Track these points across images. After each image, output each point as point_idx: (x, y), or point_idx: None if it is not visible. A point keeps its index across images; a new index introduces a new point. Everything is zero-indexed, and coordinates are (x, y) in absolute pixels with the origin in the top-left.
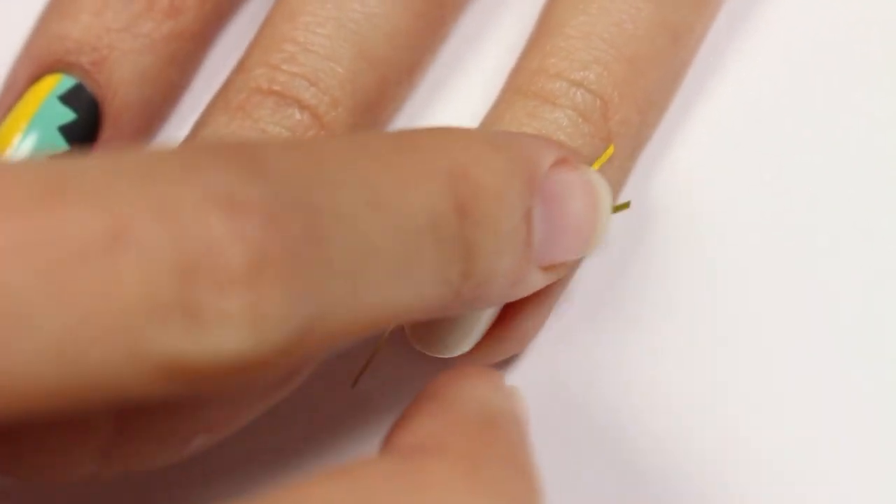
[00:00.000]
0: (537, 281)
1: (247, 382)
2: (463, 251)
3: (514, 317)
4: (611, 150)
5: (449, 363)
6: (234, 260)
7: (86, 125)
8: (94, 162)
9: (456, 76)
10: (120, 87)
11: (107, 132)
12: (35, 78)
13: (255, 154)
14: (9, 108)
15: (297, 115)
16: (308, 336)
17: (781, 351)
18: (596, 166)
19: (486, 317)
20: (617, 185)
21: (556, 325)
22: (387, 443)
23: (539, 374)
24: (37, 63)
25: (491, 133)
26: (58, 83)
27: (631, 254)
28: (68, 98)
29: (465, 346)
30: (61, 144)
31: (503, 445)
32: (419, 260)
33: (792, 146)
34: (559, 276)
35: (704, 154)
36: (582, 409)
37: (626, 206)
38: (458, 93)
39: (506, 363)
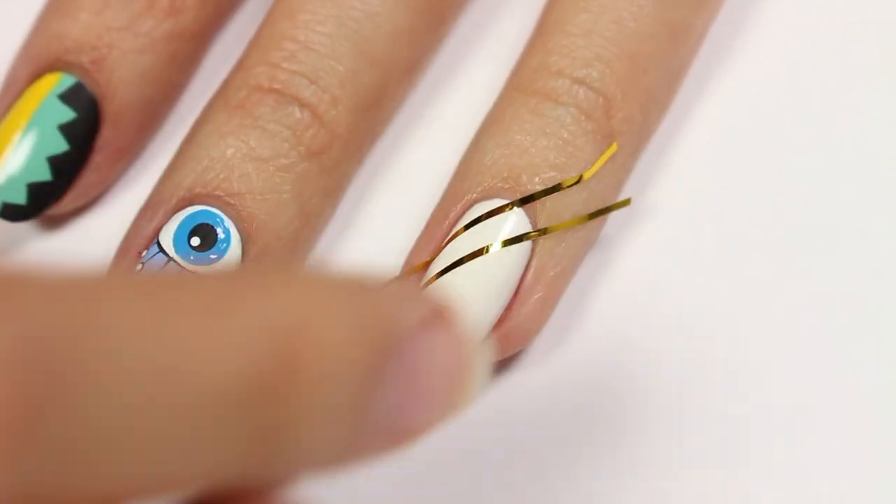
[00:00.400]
0: (384, 449)
1: None
2: (278, 425)
3: (518, 314)
4: (614, 148)
5: None
6: None
7: (85, 124)
8: None
9: (456, 76)
10: (120, 86)
11: (106, 131)
12: (35, 77)
13: (14, 291)
14: (8, 107)
15: (297, 114)
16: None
17: (781, 349)
18: (598, 164)
19: (491, 315)
20: (618, 184)
21: (556, 322)
22: None
23: (540, 370)
24: (36, 62)
25: (344, 283)
26: (58, 82)
27: (631, 251)
28: (68, 97)
29: None
30: (61, 144)
31: None
32: (211, 438)
33: (792, 145)
34: (415, 440)
35: (704, 152)
36: (582, 407)
37: (626, 203)
38: (459, 92)
39: (508, 359)
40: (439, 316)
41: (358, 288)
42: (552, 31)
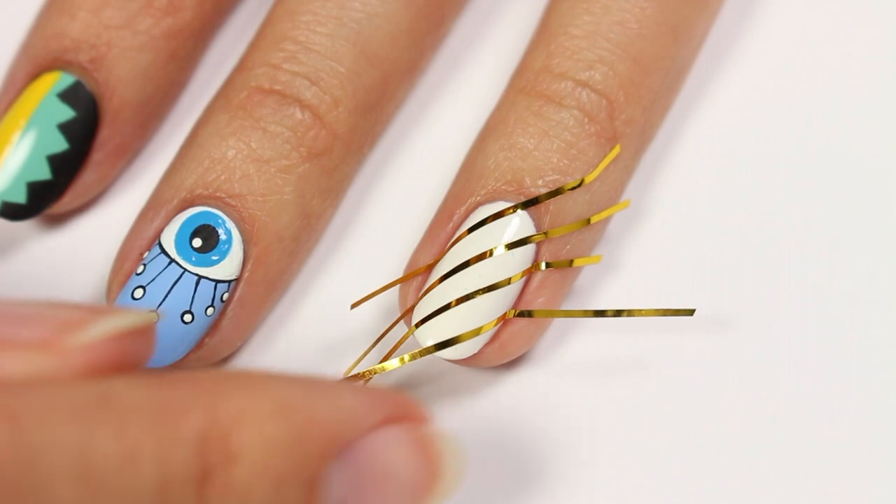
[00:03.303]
0: None
1: None
2: None
3: (521, 320)
4: (617, 150)
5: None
6: None
7: (85, 123)
8: None
9: (456, 76)
10: (119, 84)
11: (105, 130)
12: (34, 75)
13: None
14: (8, 106)
15: (299, 115)
16: None
17: (783, 350)
18: (602, 166)
19: (494, 320)
20: (621, 185)
21: (559, 324)
22: None
23: (542, 373)
24: (36, 61)
25: (279, 391)
26: (57, 81)
27: (632, 252)
28: (67, 96)
29: (473, 348)
30: (61, 142)
31: None
32: None
33: (793, 145)
34: None
35: (705, 153)
36: (583, 408)
37: (625, 204)
38: (459, 93)
39: (510, 362)
40: (400, 418)
41: (295, 393)
42: (554, 33)
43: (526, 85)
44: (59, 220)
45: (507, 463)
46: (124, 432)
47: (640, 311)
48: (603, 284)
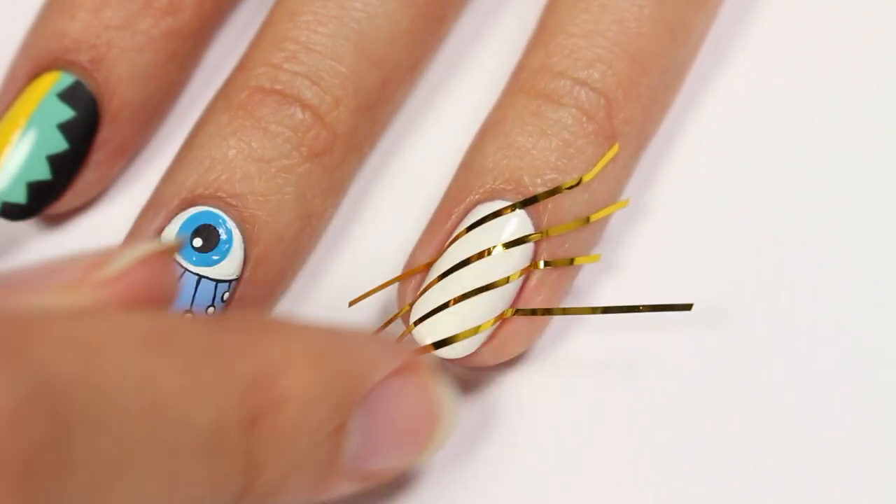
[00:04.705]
0: (350, 488)
1: None
2: (245, 466)
3: (518, 319)
4: (615, 149)
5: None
6: None
7: (85, 122)
8: None
9: (456, 76)
10: (119, 84)
11: (105, 130)
12: (34, 76)
13: (21, 340)
14: (8, 106)
15: (299, 115)
16: None
17: (783, 347)
18: (601, 165)
19: (491, 319)
20: (620, 184)
21: (557, 323)
22: None
23: (541, 371)
24: (35, 61)
25: (318, 340)
26: (56, 81)
27: (631, 251)
28: (67, 95)
29: (471, 347)
30: (60, 142)
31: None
32: (190, 474)
33: (792, 145)
34: (384, 479)
35: (705, 153)
36: (583, 408)
37: (625, 203)
38: (459, 93)
39: (509, 361)
40: (408, 368)
41: (330, 342)
42: (553, 32)
43: (524, 84)
44: (59, 219)
45: (503, 461)
46: (185, 369)
47: (638, 307)
48: (602, 284)
